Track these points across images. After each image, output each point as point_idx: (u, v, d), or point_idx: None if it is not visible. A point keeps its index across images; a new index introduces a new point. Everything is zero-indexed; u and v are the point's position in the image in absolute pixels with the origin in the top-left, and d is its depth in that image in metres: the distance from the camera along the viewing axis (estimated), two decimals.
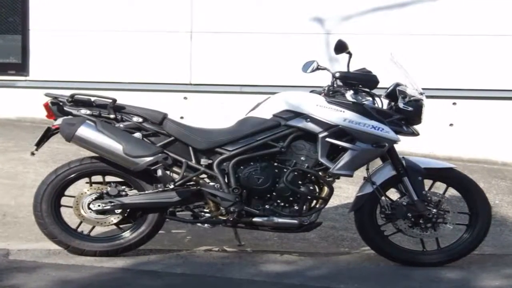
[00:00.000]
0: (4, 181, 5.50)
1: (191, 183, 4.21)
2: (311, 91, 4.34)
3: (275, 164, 4.21)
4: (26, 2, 7.56)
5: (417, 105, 4.24)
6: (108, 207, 4.16)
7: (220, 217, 4.19)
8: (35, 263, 4.12)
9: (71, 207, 4.23)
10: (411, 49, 7.06)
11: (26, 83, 7.58)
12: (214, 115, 7.13)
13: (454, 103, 7.29)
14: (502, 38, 7.16)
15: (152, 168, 4.08)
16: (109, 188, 4.20)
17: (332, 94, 4.24)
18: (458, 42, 7.18)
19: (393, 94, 4.26)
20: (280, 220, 4.19)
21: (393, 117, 4.21)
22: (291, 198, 4.21)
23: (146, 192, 4.19)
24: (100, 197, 4.18)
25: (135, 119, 4.18)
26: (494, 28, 7.17)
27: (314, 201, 4.26)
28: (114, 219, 4.21)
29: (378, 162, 4.35)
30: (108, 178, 4.28)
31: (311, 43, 7.22)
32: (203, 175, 4.22)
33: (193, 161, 4.20)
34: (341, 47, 4.27)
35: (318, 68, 4.23)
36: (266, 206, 4.21)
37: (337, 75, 4.20)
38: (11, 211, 4.98)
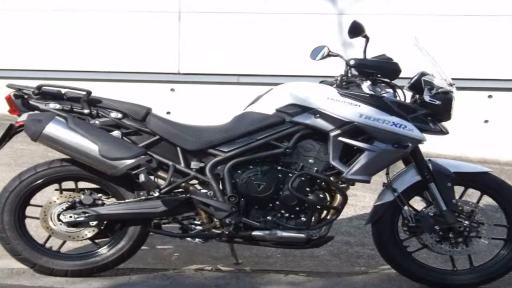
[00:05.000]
0: None
1: (180, 190, 4.22)
2: (321, 82, 4.35)
3: (279, 167, 4.22)
4: None
5: (446, 98, 4.24)
6: (82, 218, 4.16)
7: (213, 230, 4.20)
8: None
9: (38, 218, 4.23)
10: (439, 33, 7.08)
11: None
12: (207, 110, 7.14)
13: (490, 96, 7.31)
14: None
15: (134, 172, 4.08)
16: (82, 196, 4.20)
17: (345, 85, 4.24)
18: (494, 25, 7.19)
19: (418, 85, 4.26)
20: (285, 234, 4.20)
21: (418, 112, 4.22)
22: (297, 208, 4.21)
23: (127, 201, 4.19)
24: (72, 206, 4.19)
25: (113, 114, 4.19)
26: None
27: (325, 212, 4.27)
28: (88, 232, 4.22)
29: (400, 165, 4.36)
30: (82, 185, 4.29)
31: (321, 25, 7.23)
32: (194, 181, 4.23)
33: (182, 164, 4.20)
34: (356, 29, 4.28)
35: (329, 55, 4.25)
36: (268, 217, 4.21)
37: (352, 62, 4.21)
38: None
